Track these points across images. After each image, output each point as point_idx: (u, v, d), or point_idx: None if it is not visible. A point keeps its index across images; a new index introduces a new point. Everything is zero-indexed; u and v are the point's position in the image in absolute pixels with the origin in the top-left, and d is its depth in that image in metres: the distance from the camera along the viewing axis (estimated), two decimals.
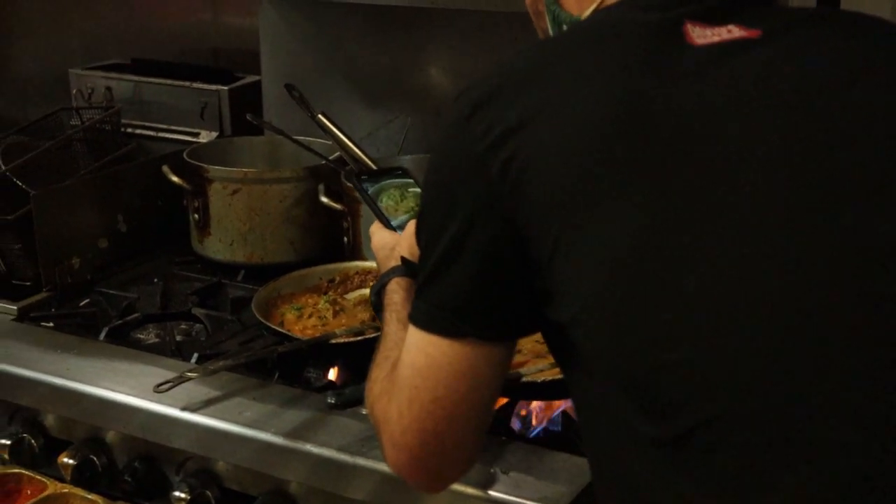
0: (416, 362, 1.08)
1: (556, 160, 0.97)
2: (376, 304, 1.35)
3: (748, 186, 0.94)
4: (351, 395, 1.45)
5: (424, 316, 1.07)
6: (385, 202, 1.54)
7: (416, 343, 1.08)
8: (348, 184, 1.91)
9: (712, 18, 1.03)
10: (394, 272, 1.33)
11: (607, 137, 0.97)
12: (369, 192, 1.55)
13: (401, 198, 1.56)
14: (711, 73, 0.99)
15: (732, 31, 1.02)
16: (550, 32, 1.20)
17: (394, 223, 1.48)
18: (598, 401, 1.01)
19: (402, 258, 1.33)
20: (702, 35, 1.02)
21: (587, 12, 1.13)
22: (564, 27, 1.16)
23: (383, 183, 1.58)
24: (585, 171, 0.96)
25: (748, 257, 0.92)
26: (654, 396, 0.94)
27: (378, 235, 1.45)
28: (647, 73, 1.00)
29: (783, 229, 0.93)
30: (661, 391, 0.93)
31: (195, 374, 1.50)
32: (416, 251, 1.20)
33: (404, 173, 1.61)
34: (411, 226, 1.33)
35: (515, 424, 1.54)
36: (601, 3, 1.12)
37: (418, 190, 1.53)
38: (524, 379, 1.47)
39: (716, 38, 1.02)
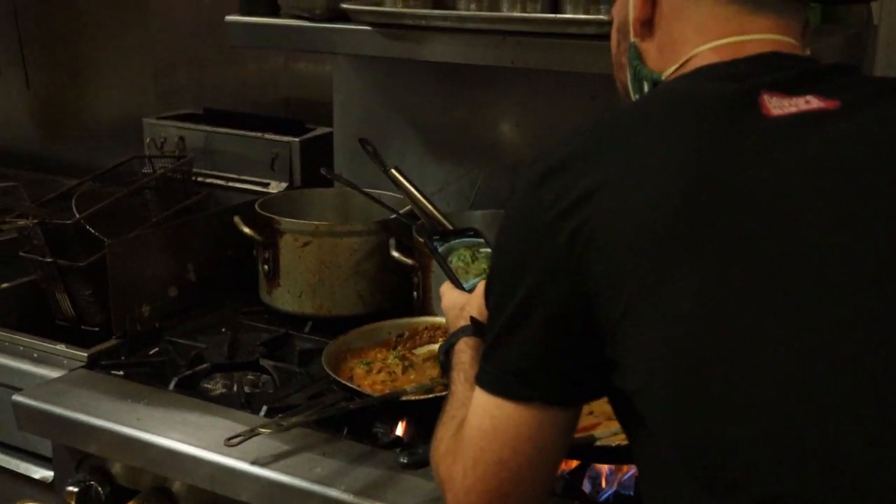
0: (482, 424, 1.09)
1: (624, 231, 0.97)
2: (444, 363, 1.36)
3: (818, 262, 0.93)
4: (423, 455, 1.43)
5: (491, 379, 1.08)
6: (455, 263, 1.55)
7: (483, 405, 1.09)
8: (419, 238, 1.91)
9: (790, 88, 1.03)
10: (463, 332, 1.34)
11: (677, 209, 0.96)
12: (440, 251, 1.56)
13: (472, 259, 1.56)
14: (786, 145, 0.99)
15: (811, 102, 1.01)
16: (629, 86, 1.21)
17: (466, 286, 1.48)
18: (661, 472, 1.01)
19: (472, 318, 1.34)
20: (779, 106, 1.01)
21: (668, 71, 1.13)
22: (644, 83, 1.17)
23: (454, 242, 1.59)
24: (654, 242, 0.96)
25: (816, 334, 0.91)
26: (717, 473, 0.92)
27: (448, 295, 1.46)
28: (720, 144, 0.99)
29: (852, 304, 0.91)
30: (725, 468, 0.92)
31: (268, 430, 1.50)
32: (485, 312, 1.21)
33: (476, 234, 1.61)
34: (481, 287, 1.34)
35: (586, 487, 1.51)
36: (683, 64, 1.12)
37: (489, 251, 1.53)
38: (598, 443, 1.45)
39: (793, 109, 1.01)
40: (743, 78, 1.04)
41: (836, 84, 1.05)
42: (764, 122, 1.00)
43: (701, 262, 0.94)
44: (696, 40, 1.11)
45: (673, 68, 1.13)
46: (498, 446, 1.07)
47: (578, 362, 1.04)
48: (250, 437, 1.50)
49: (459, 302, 1.41)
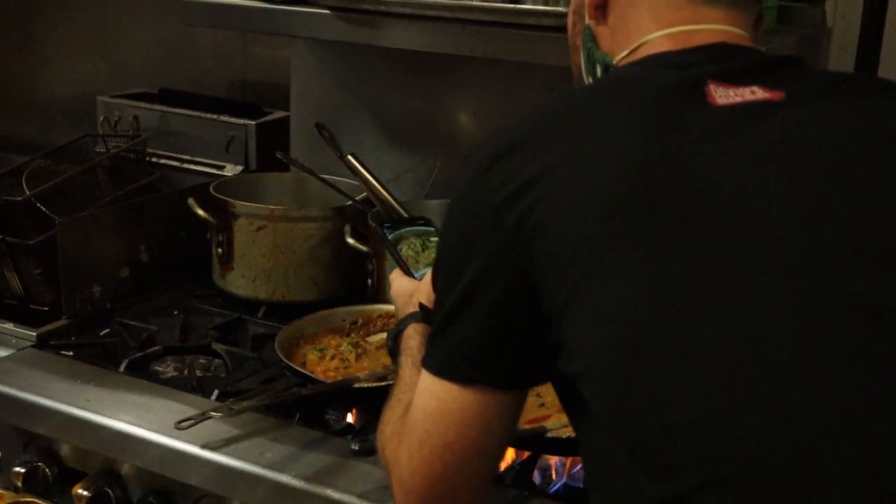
0: (427, 407, 1.09)
1: (570, 215, 0.98)
2: (393, 349, 1.36)
3: (758, 248, 0.95)
4: (374, 442, 1.43)
5: (437, 362, 1.09)
6: (405, 251, 1.55)
7: (429, 388, 1.09)
8: (374, 225, 1.91)
9: (737, 78, 1.04)
10: (412, 318, 1.35)
11: (621, 195, 0.98)
12: (390, 239, 1.56)
13: (422, 247, 1.57)
14: (729, 134, 1.00)
15: (756, 93, 1.03)
16: (583, 68, 1.22)
17: (416, 275, 1.48)
18: (604, 458, 1.02)
19: (420, 304, 1.35)
20: (724, 95, 1.03)
21: (620, 55, 1.15)
22: (597, 66, 1.19)
23: (405, 231, 1.58)
24: (597, 227, 0.97)
25: (755, 320, 0.92)
26: (658, 457, 0.93)
27: (398, 282, 1.46)
28: (665, 131, 1.00)
29: (791, 292, 0.93)
30: (665, 451, 0.93)
31: (219, 414, 1.49)
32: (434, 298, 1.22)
33: (427, 223, 1.62)
34: (430, 274, 1.34)
35: (536, 478, 1.53)
36: (634, 50, 1.14)
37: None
38: (549, 434, 1.46)
39: (738, 99, 1.02)
40: (690, 66, 1.06)
41: (782, 76, 1.07)
42: (709, 111, 1.01)
43: (644, 247, 0.96)
44: (649, 26, 1.13)
45: (625, 53, 1.15)
46: (443, 429, 1.08)
47: (523, 346, 1.05)
48: (201, 421, 1.50)
49: (409, 289, 1.42)
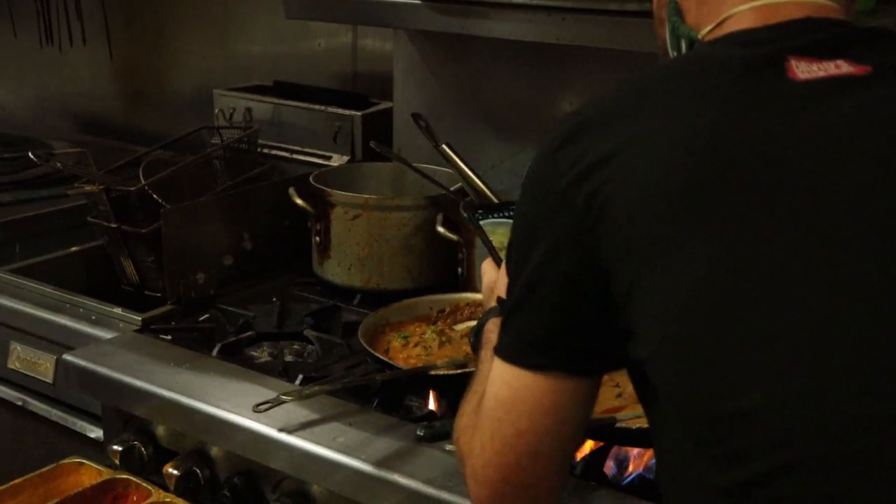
0: (499, 395, 1.07)
1: (636, 197, 0.96)
2: (475, 343, 1.35)
3: (832, 229, 0.91)
4: (441, 429, 1.45)
5: (508, 348, 1.07)
6: (499, 240, 1.53)
7: (501, 375, 1.07)
8: (464, 214, 1.91)
9: (820, 52, 1.00)
10: (492, 312, 1.32)
11: (691, 175, 0.95)
12: (482, 225, 1.54)
13: None
14: (808, 111, 0.96)
15: (840, 67, 0.99)
16: (668, 42, 1.18)
17: None
18: (670, 446, 1.00)
19: (498, 298, 1.32)
20: (807, 70, 0.98)
21: (705, 30, 1.10)
22: (682, 41, 1.14)
23: (500, 219, 1.56)
24: (665, 209, 0.95)
25: (827, 302, 0.89)
26: (723, 444, 0.91)
27: (488, 275, 1.44)
28: (740, 108, 0.97)
29: (865, 275, 0.90)
30: (731, 438, 0.91)
31: (290, 398, 1.52)
32: None
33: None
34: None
35: (610, 470, 1.51)
36: (719, 24, 1.09)
37: None
38: (619, 424, 1.44)
39: (821, 74, 0.98)
40: (771, 42, 1.01)
41: (871, 49, 1.01)
42: (788, 87, 0.97)
43: (712, 228, 0.93)
44: (734, 0, 1.08)
45: (710, 27, 1.10)
46: (515, 416, 1.05)
47: (593, 330, 1.02)
48: (277, 405, 1.53)
49: (494, 281, 1.40)
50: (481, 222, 1.56)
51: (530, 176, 1.06)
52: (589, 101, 1.06)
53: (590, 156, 0.98)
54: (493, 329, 1.29)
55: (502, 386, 1.07)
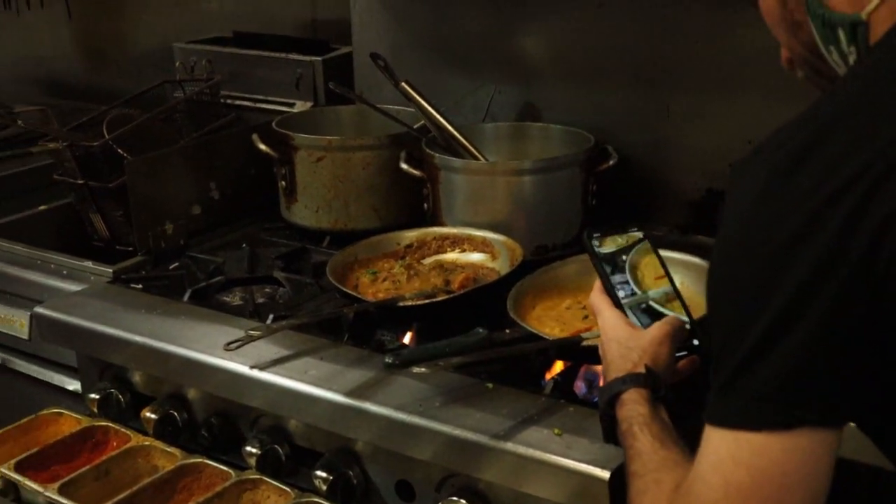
0: (733, 479, 0.90)
1: None
2: (607, 413, 1.21)
3: None
4: (408, 356, 1.46)
5: (740, 413, 0.91)
6: (640, 271, 1.36)
7: (732, 454, 0.91)
8: (429, 151, 1.93)
9: None
10: (632, 380, 1.20)
11: None
12: (598, 252, 1.36)
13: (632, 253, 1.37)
14: None
15: None
16: (818, 42, 1.05)
17: (637, 321, 1.30)
18: None
19: (647, 367, 1.22)
20: None
21: (868, 8, 0.99)
22: (839, 30, 1.01)
23: (615, 242, 1.37)
24: None
25: None
26: None
27: (612, 323, 1.29)
28: None
29: None
30: None
31: (258, 333, 1.54)
32: (664, 361, 1.21)
33: (643, 235, 1.39)
34: (659, 333, 1.25)
35: (580, 388, 1.53)
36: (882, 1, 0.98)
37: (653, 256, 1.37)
38: (585, 343, 1.46)
39: None
40: None
41: None
42: None
43: None
44: None
45: (872, 6, 0.98)
46: (762, 499, 0.90)
47: (861, 367, 0.89)
48: (247, 342, 1.55)
49: (627, 339, 1.26)
50: (596, 246, 1.37)
51: (750, 209, 0.92)
52: (802, 119, 0.93)
53: (840, 172, 0.87)
54: (637, 401, 1.18)
55: (736, 468, 0.90)
